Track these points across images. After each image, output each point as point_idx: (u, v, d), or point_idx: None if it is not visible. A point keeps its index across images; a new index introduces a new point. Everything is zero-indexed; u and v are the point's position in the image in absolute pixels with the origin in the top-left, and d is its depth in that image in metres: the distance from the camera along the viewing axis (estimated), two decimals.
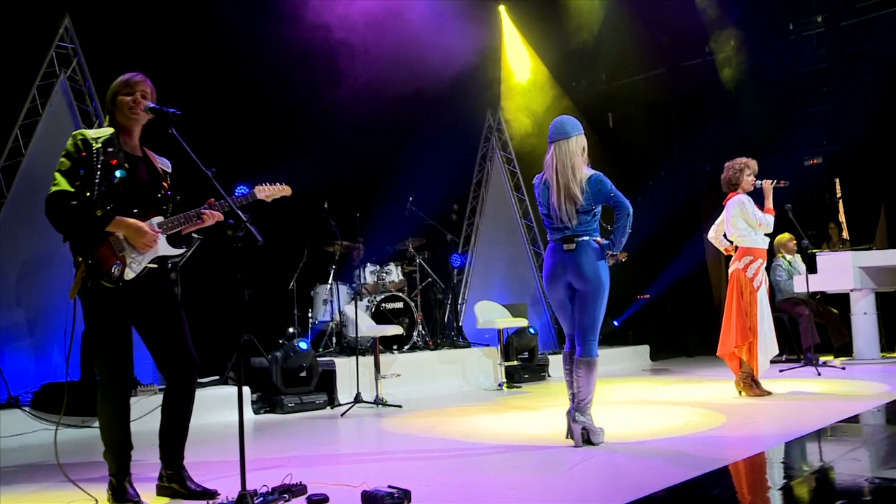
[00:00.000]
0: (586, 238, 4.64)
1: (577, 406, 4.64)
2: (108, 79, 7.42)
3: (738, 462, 3.92)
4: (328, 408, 7.27)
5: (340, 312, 8.27)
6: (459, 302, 10.47)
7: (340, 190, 8.93)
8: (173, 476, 3.77)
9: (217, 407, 6.65)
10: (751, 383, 6.36)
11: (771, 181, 6.57)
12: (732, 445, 4.47)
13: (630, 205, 4.62)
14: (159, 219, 3.72)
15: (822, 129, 11.00)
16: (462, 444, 4.94)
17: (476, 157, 11.72)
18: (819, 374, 7.60)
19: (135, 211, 3.63)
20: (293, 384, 7.21)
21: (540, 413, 6.31)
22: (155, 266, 3.69)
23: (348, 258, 8.88)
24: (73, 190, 3.49)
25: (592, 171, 4.70)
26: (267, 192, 4.13)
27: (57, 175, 3.51)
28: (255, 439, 5.76)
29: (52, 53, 7.41)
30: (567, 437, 4.66)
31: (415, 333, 8.66)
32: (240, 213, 3.42)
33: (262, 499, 3.46)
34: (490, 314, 8.72)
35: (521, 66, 11.75)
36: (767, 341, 6.32)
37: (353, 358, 7.35)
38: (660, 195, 12.47)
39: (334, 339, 8.55)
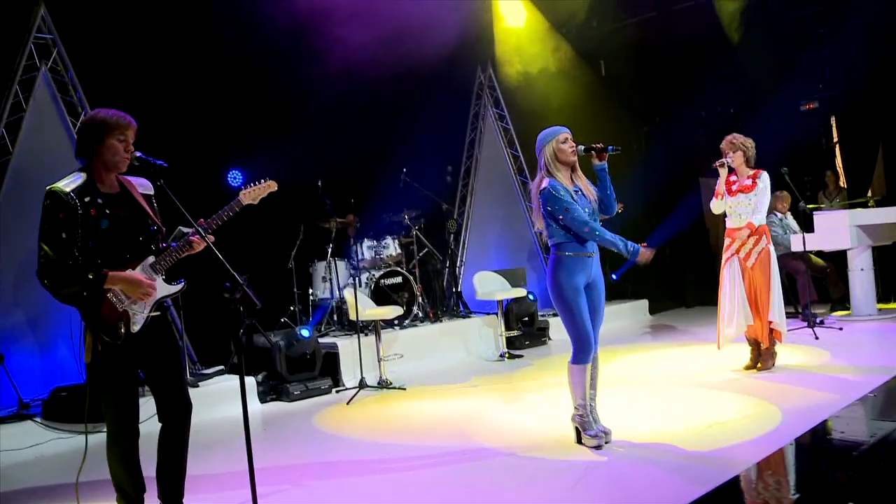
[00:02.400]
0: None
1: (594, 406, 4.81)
2: (91, 68, 7.39)
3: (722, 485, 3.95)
4: (333, 391, 7.36)
5: (340, 293, 8.29)
6: (458, 265, 10.47)
7: (334, 167, 8.84)
8: None
9: (223, 400, 6.73)
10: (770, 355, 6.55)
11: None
12: (733, 451, 4.55)
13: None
14: (151, 259, 3.67)
15: (818, 73, 10.84)
16: (462, 449, 5.00)
17: (468, 117, 11.57)
18: (817, 338, 7.67)
19: (127, 257, 3.59)
20: (297, 370, 7.28)
21: (542, 396, 6.37)
22: (158, 314, 3.68)
23: (345, 234, 8.86)
24: (57, 258, 3.42)
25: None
26: (253, 194, 3.98)
27: (41, 244, 3.43)
28: (263, 440, 5.84)
29: (31, 45, 7.21)
30: (580, 443, 4.75)
31: (415, 307, 8.70)
32: (236, 275, 3.35)
33: None
34: (489, 286, 8.74)
35: (511, 17, 11.48)
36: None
37: (356, 337, 7.40)
38: (655, 142, 12.36)
39: (336, 317, 8.59)
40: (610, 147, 4.70)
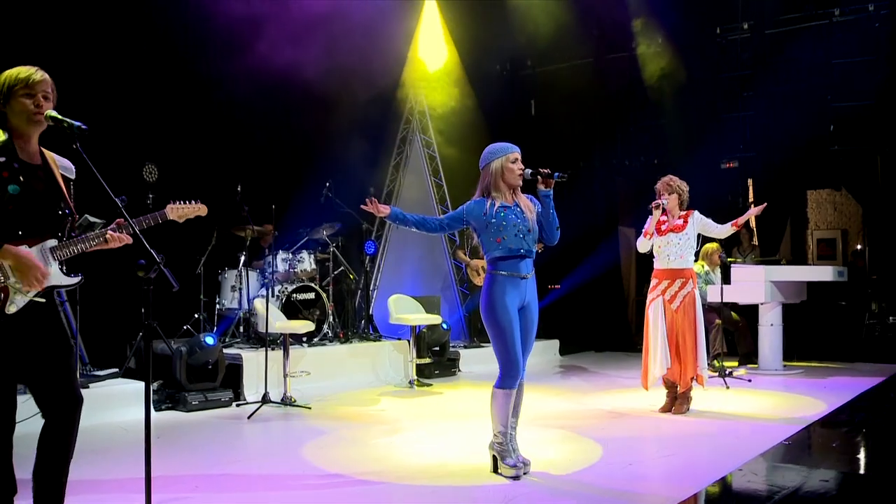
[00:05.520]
0: None
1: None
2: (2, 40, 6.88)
3: None
4: (234, 405, 6.96)
5: (249, 304, 7.93)
6: (371, 288, 10.22)
7: (255, 174, 8.52)
8: None
9: (115, 405, 6.29)
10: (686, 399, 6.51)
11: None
12: (658, 486, 4.43)
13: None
14: (53, 242, 3.28)
15: (740, 134, 11.11)
16: (372, 471, 4.72)
17: (395, 140, 11.41)
18: (728, 387, 7.73)
19: (28, 232, 3.21)
20: (198, 379, 6.86)
21: (453, 425, 6.16)
22: (42, 300, 3.27)
23: (259, 244, 8.51)
24: None
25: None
26: (180, 212, 3.70)
27: None
28: (157, 448, 5.39)
29: None
30: (497, 472, 4.53)
31: (325, 325, 8.39)
32: (153, 252, 3.03)
33: None
34: (404, 310, 8.50)
35: (443, 47, 11.42)
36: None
37: (261, 350, 7.09)
38: (577, 186, 12.42)
39: (242, 329, 8.21)
40: (556, 173, 4.56)
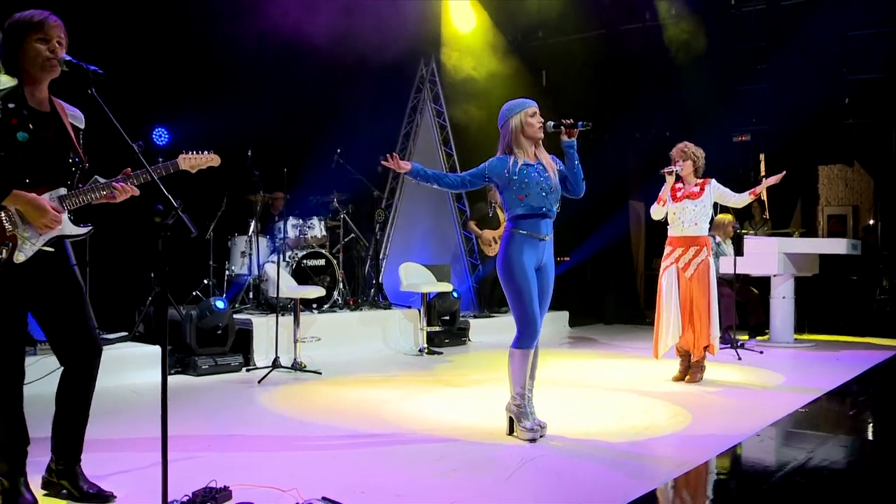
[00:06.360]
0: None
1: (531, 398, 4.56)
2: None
3: (678, 477, 3.80)
4: (244, 370, 6.94)
5: (260, 270, 7.89)
6: (380, 257, 10.17)
7: (265, 139, 8.43)
8: (65, 472, 3.34)
9: (125, 368, 6.28)
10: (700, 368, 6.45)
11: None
12: (674, 450, 4.40)
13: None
14: (62, 191, 3.22)
15: (753, 107, 10.99)
16: (386, 433, 4.71)
17: (406, 109, 11.33)
18: (740, 358, 7.69)
19: (35, 180, 3.15)
20: (207, 344, 6.84)
21: (467, 391, 6.13)
22: (51, 250, 3.22)
23: (269, 210, 8.45)
24: None
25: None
26: (192, 161, 3.59)
27: None
28: (168, 411, 5.38)
29: None
30: (513, 435, 4.50)
31: (335, 292, 8.35)
32: (171, 198, 2.96)
33: None
34: (415, 277, 8.47)
35: (459, 17, 11.30)
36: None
37: (271, 316, 7.07)
38: (587, 158, 12.31)
39: (251, 294, 8.17)
40: (580, 123, 4.52)
